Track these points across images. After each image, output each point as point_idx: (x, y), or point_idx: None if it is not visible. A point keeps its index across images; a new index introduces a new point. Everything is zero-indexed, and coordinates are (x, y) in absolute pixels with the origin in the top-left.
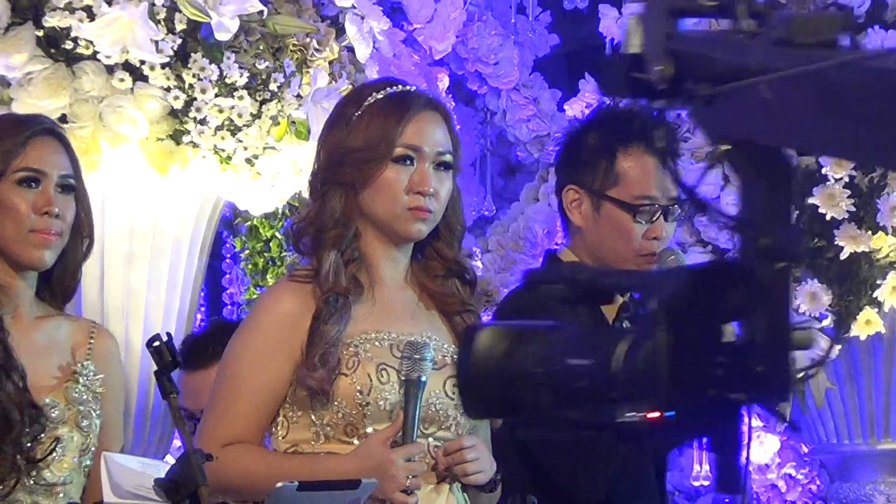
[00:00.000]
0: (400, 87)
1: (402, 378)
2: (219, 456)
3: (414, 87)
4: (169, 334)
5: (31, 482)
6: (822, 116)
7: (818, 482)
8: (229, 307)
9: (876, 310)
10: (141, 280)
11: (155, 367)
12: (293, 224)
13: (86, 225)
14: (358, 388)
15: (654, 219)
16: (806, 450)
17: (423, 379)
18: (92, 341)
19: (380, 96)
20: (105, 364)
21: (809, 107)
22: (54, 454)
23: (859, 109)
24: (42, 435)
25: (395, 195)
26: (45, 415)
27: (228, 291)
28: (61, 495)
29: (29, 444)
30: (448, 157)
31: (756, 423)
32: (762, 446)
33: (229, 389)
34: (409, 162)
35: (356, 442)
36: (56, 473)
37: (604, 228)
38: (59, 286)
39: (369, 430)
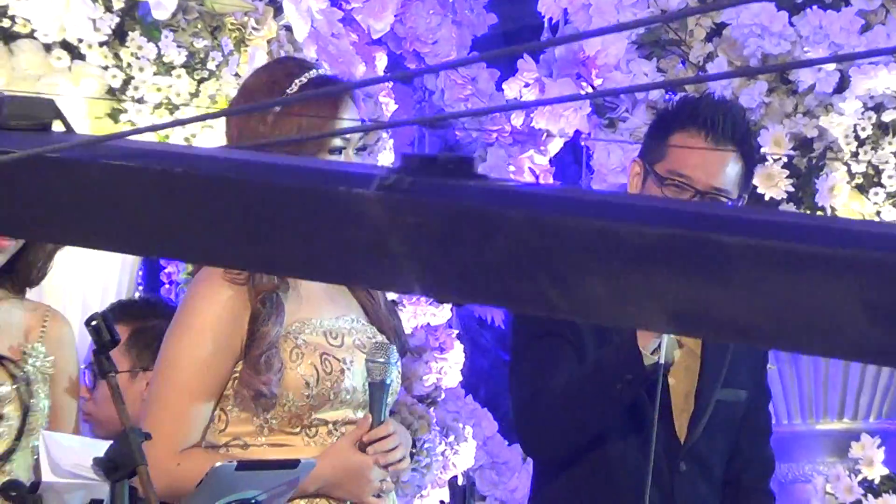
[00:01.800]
0: (313, 71)
1: (368, 381)
2: (179, 462)
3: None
4: (107, 313)
5: None
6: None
7: None
8: (167, 286)
9: None
10: (79, 259)
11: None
12: None
13: None
14: (305, 380)
15: (686, 199)
16: None
17: (388, 381)
18: (45, 325)
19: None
20: (57, 348)
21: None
22: None
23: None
24: None
25: None
26: None
27: (166, 270)
28: (6, 472)
29: None
30: (363, 142)
31: None
32: None
33: (177, 393)
34: (339, 153)
35: (299, 432)
36: (1, 450)
37: None
38: (18, 276)
39: (313, 418)
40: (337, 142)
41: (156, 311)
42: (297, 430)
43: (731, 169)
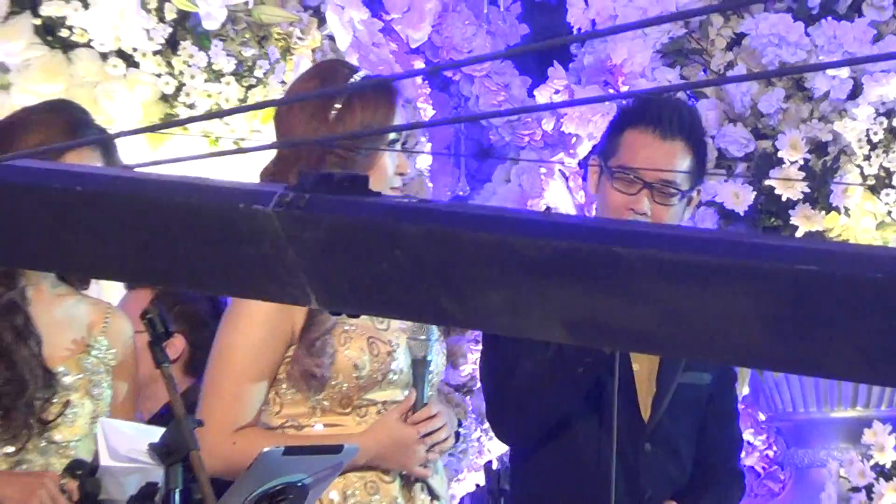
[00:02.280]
0: (361, 72)
1: (412, 358)
2: (235, 441)
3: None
4: (161, 305)
5: (43, 443)
6: None
7: (775, 448)
8: None
9: None
10: None
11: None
12: None
13: None
14: (354, 363)
15: (634, 192)
16: (763, 417)
17: (429, 358)
18: (107, 320)
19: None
20: (118, 341)
21: None
22: (65, 417)
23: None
24: (54, 399)
25: (387, 178)
26: (58, 380)
27: None
28: (72, 457)
29: (41, 407)
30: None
31: None
32: None
33: (232, 376)
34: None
35: (350, 413)
36: (67, 436)
37: (599, 196)
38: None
39: (363, 399)
40: (393, 136)
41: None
42: (348, 410)
43: (680, 162)
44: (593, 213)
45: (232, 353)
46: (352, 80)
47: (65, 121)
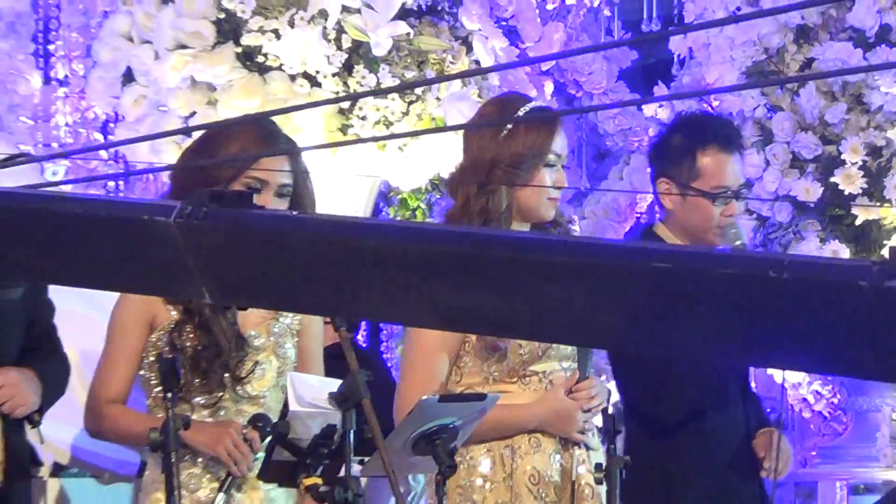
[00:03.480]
0: (533, 103)
1: None
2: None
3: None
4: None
5: (237, 395)
6: None
7: (839, 396)
8: None
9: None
10: None
11: None
12: (455, 211)
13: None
14: (518, 341)
15: (729, 202)
16: None
17: None
18: None
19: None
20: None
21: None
22: (254, 374)
23: None
24: (246, 359)
25: (545, 191)
26: (249, 343)
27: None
28: (262, 404)
29: (234, 366)
30: (566, 160)
31: None
32: None
33: (424, 354)
34: (554, 165)
35: (516, 382)
36: (257, 389)
37: (690, 212)
38: None
39: (527, 370)
40: (552, 158)
41: None
42: (514, 380)
43: (742, 165)
44: (670, 219)
45: (423, 334)
46: (523, 109)
47: (259, 132)
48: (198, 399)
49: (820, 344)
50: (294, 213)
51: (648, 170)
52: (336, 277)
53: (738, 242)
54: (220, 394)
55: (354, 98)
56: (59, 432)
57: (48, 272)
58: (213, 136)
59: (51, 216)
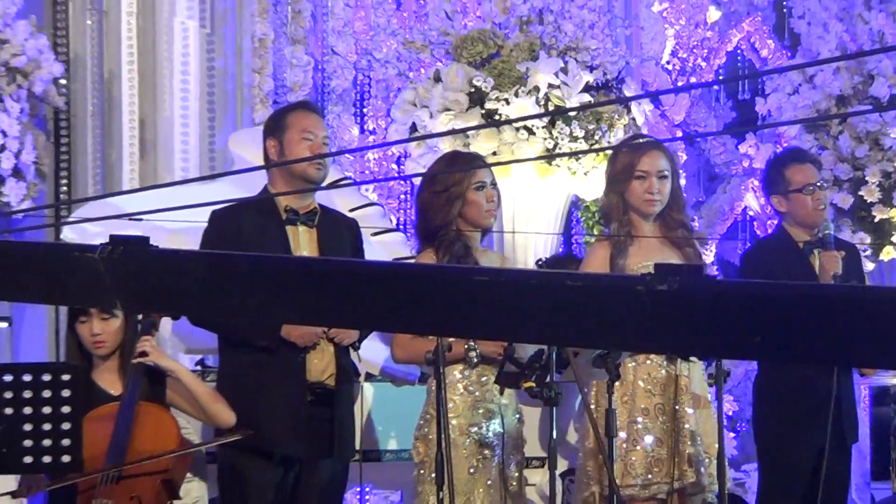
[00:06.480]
0: (637, 140)
1: None
2: None
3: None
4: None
5: None
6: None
7: None
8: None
9: (893, 248)
10: (525, 238)
11: None
12: (601, 211)
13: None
14: None
15: (814, 192)
16: None
17: None
18: (504, 263)
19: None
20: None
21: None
22: None
23: None
24: None
25: (641, 193)
26: None
27: (574, 238)
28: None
29: None
30: (666, 172)
31: None
32: None
33: None
34: (643, 177)
35: None
36: None
37: (794, 208)
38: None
39: None
40: (639, 172)
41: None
42: None
43: (816, 171)
44: (786, 218)
45: None
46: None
47: (461, 163)
48: None
49: (614, 328)
50: (177, 249)
51: (763, 199)
52: (217, 289)
53: (827, 232)
54: None
55: (555, 154)
56: (369, 354)
57: (3, 292)
58: (449, 162)
59: (12, 254)
